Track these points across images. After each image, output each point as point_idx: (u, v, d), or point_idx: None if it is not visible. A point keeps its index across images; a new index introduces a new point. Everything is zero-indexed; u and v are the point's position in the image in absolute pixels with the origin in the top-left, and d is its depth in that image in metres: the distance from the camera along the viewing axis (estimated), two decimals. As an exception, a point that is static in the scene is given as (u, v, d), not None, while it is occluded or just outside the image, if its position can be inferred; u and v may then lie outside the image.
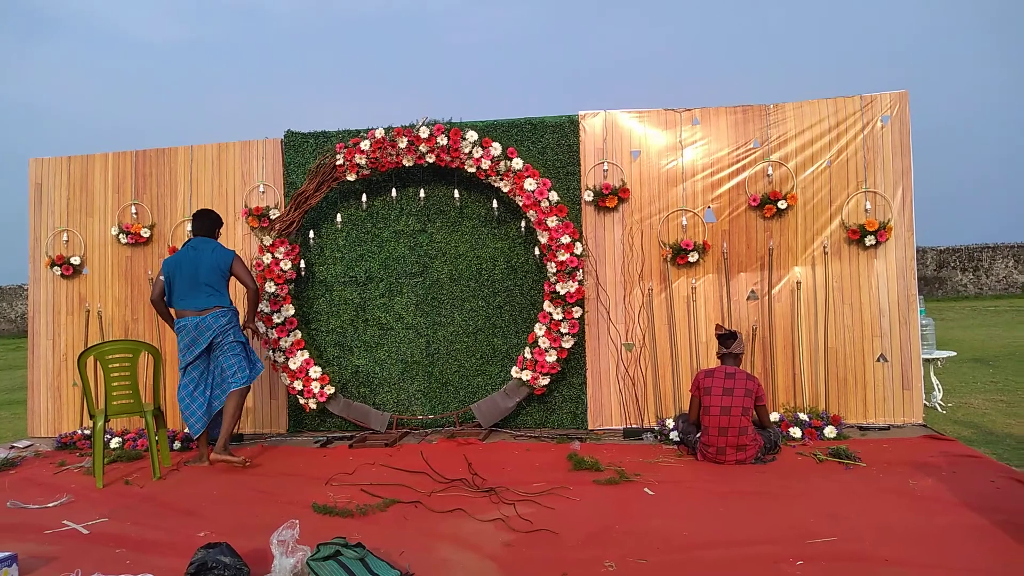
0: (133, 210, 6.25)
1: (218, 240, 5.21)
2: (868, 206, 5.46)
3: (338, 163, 5.76)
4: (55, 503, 4.29)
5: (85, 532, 3.76)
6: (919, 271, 21.89)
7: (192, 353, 4.92)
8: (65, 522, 3.90)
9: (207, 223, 5.16)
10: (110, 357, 4.74)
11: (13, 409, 8.71)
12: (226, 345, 4.97)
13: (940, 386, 6.41)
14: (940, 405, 6.21)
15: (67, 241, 6.35)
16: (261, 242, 5.87)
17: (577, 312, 5.49)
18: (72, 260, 6.26)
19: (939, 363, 6.62)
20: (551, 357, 5.48)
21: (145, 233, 6.18)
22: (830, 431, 5.05)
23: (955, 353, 7.35)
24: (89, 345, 6.16)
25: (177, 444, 5.63)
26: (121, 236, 6.22)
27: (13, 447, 5.78)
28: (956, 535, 3.19)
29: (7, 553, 3.15)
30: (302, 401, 5.77)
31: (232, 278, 5.07)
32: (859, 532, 3.24)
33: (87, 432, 5.97)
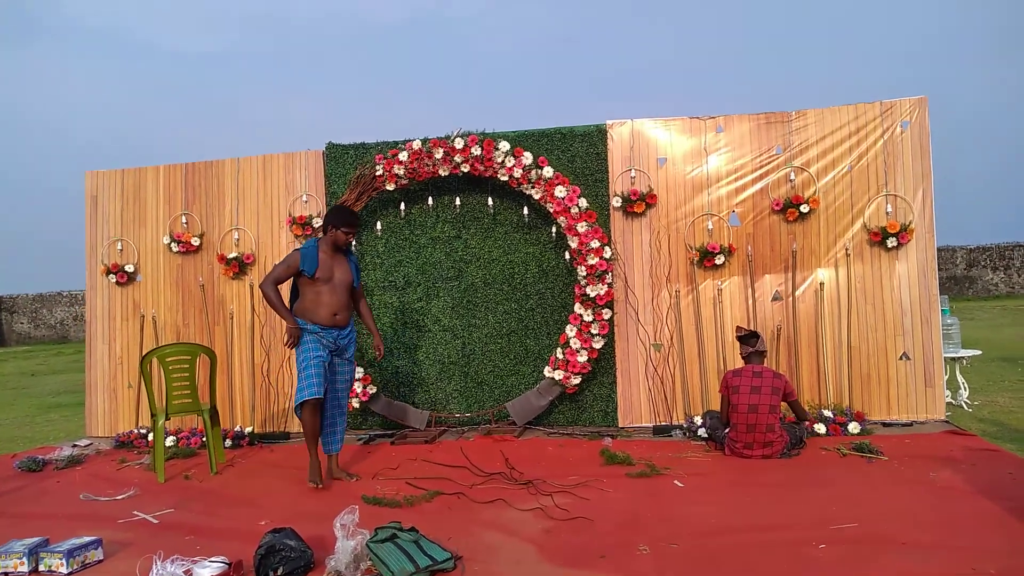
0: (183, 220, 6.60)
1: (318, 240, 4.80)
2: (889, 209, 5.63)
3: (377, 173, 6.05)
4: (123, 496, 4.61)
5: (155, 521, 4.07)
6: (949, 270, 21.77)
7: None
8: (135, 512, 4.22)
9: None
10: (170, 359, 5.06)
11: (61, 412, 9.14)
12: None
13: (966, 384, 6.52)
14: (966, 403, 6.33)
15: (121, 250, 6.72)
16: (305, 250, 6.18)
17: (607, 314, 5.72)
18: (127, 268, 6.63)
19: (965, 361, 6.73)
20: (582, 357, 5.72)
21: (195, 242, 6.53)
22: (854, 427, 5.23)
23: (980, 352, 7.45)
24: (146, 348, 6.54)
25: (228, 442, 5.95)
26: (172, 245, 6.57)
27: (76, 445, 6.13)
28: (969, 521, 3.38)
29: (92, 538, 3.47)
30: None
31: (297, 278, 4.77)
32: (878, 518, 3.44)
33: (143, 431, 6.32)
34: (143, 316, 6.64)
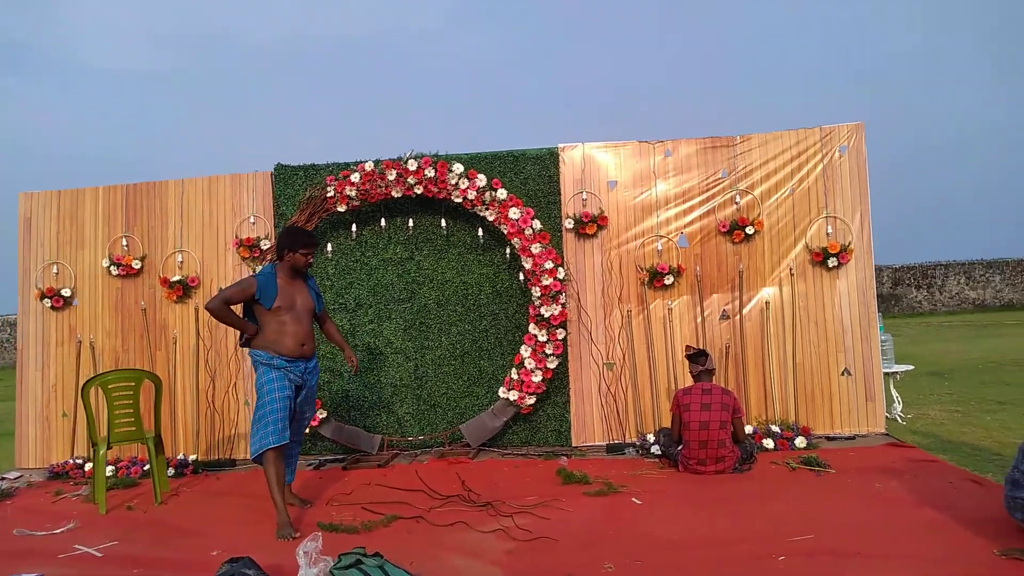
0: (124, 242, 6.39)
1: (275, 266, 4.54)
2: (830, 230, 5.85)
3: (328, 195, 5.99)
4: (62, 529, 4.40)
5: (99, 555, 3.89)
6: (876, 289, 22.73)
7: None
8: (77, 546, 4.02)
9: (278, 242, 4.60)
10: (113, 386, 4.87)
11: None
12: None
13: (900, 398, 6.80)
14: (900, 416, 6.59)
15: (57, 273, 6.45)
16: (253, 271, 6.05)
17: (561, 334, 5.77)
18: (63, 292, 6.37)
19: (898, 376, 7.02)
20: (537, 377, 5.74)
21: (136, 264, 6.32)
22: (800, 441, 5.38)
23: (912, 367, 7.78)
24: (83, 375, 6.28)
25: (171, 470, 5.74)
26: (112, 268, 6.34)
27: (4, 478, 5.83)
28: (917, 529, 3.51)
29: (34, 575, 3.29)
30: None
31: (253, 306, 4.48)
32: (832, 530, 3.55)
33: (79, 461, 6.04)
34: (80, 341, 6.38)
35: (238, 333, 4.75)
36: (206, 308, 4.42)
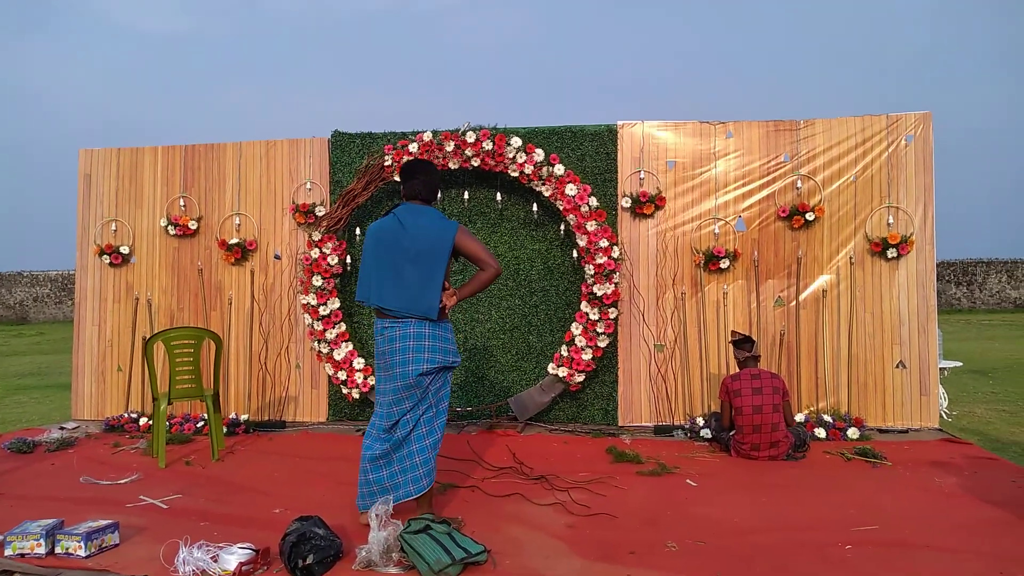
0: (181, 203, 6.47)
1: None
2: (891, 220, 5.75)
3: (386, 164, 6.00)
4: (126, 480, 4.51)
5: (164, 507, 3.99)
6: (914, 283, 22.35)
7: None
8: (142, 497, 4.12)
9: (422, 180, 3.67)
10: (175, 343, 4.96)
11: (29, 394, 8.91)
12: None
13: (946, 395, 6.70)
14: (946, 413, 6.50)
15: (115, 231, 6.56)
16: (309, 237, 6.11)
17: (613, 313, 5.75)
18: (121, 249, 6.47)
19: (945, 373, 6.93)
20: (587, 355, 5.74)
21: (192, 225, 6.40)
22: (853, 432, 5.33)
23: (961, 363, 7.68)
24: (139, 332, 6.40)
25: (224, 429, 5.83)
26: (169, 227, 6.43)
27: (63, 428, 5.98)
28: (983, 526, 3.47)
29: (109, 521, 3.39)
30: (345, 391, 6.00)
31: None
32: (896, 522, 3.52)
33: (133, 415, 6.17)
34: (137, 299, 6.49)
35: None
36: (498, 269, 3.58)
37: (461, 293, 3.59)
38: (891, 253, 5.69)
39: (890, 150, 5.78)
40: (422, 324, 3.55)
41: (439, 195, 3.74)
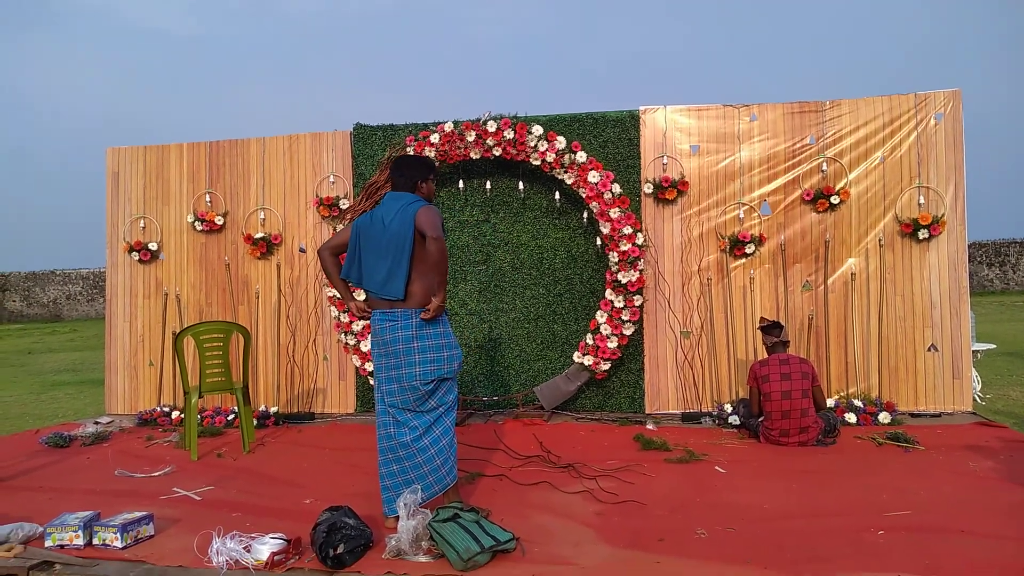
0: (207, 198, 6.54)
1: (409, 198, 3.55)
2: (921, 200, 5.64)
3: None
4: (160, 472, 4.59)
5: (198, 498, 4.05)
6: (945, 265, 21.94)
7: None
8: (176, 489, 4.20)
9: (406, 173, 3.61)
10: (204, 337, 5.03)
11: (65, 389, 9.09)
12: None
13: (979, 377, 6.58)
14: (979, 396, 6.39)
15: (144, 228, 6.65)
16: (334, 230, 6.14)
17: (638, 300, 5.72)
18: (150, 245, 6.56)
19: (979, 355, 6.80)
20: (612, 343, 5.72)
21: (219, 221, 6.47)
22: (884, 417, 5.26)
23: (995, 346, 7.53)
24: (169, 327, 6.50)
25: (254, 421, 5.91)
26: (196, 223, 6.51)
27: (98, 422, 6.09)
28: (1021, 510, 3.40)
29: (143, 513, 3.45)
30: (372, 382, 6.04)
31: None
32: (930, 507, 3.47)
33: (165, 409, 6.28)
34: (166, 294, 6.58)
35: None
36: (439, 238, 3.39)
37: (435, 289, 3.47)
38: (922, 234, 5.59)
39: (919, 129, 5.67)
40: (411, 323, 3.47)
41: (434, 183, 3.73)
